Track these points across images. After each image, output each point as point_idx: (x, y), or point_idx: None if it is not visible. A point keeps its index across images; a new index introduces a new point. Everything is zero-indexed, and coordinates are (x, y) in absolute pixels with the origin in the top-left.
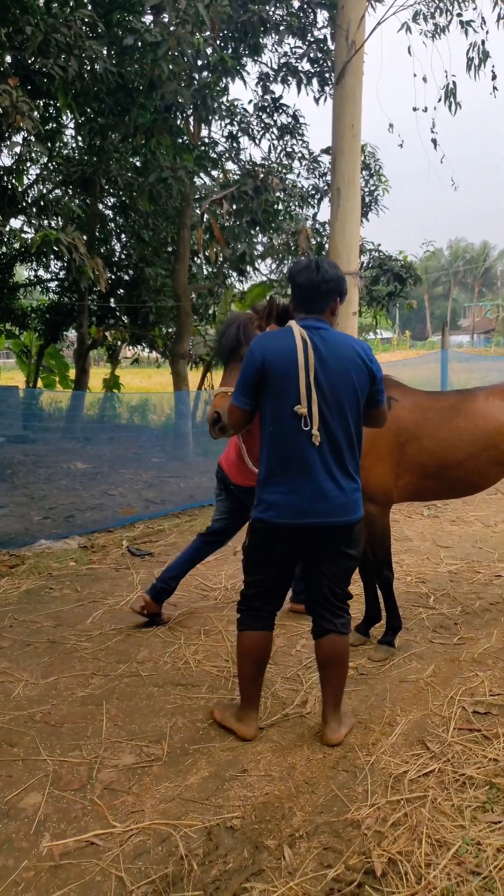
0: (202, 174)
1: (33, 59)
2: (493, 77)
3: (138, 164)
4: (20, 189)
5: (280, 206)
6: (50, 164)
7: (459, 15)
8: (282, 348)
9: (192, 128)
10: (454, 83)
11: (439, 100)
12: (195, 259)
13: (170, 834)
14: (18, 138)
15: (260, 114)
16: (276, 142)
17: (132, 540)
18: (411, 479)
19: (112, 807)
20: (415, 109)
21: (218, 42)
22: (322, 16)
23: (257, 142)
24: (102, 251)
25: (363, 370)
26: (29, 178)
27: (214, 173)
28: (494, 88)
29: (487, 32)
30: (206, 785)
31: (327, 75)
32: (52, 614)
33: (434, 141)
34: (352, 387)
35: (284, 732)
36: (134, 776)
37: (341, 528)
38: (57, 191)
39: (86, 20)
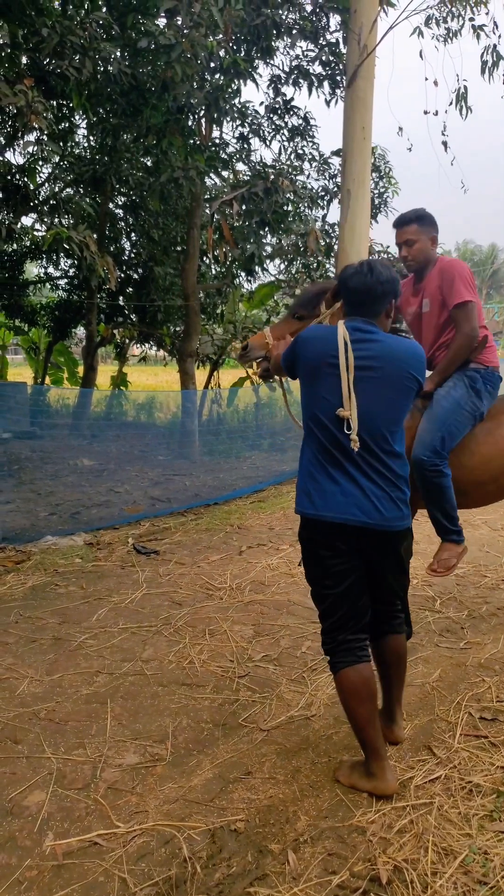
0: (213, 174)
1: (48, 60)
2: None
3: (149, 164)
4: (32, 187)
5: (290, 208)
6: (62, 164)
7: (472, 19)
8: (319, 343)
9: (203, 129)
10: (465, 87)
11: (450, 103)
12: (204, 259)
13: (173, 835)
14: (32, 137)
15: (271, 115)
16: (286, 143)
17: (138, 538)
18: None
19: (115, 807)
20: (426, 113)
21: (231, 45)
22: (334, 19)
23: (268, 143)
24: (112, 249)
25: (411, 378)
26: (41, 177)
27: (225, 174)
28: None
29: (500, 37)
30: (209, 786)
31: (339, 78)
32: (57, 611)
33: (445, 144)
34: (400, 391)
35: (289, 735)
36: (138, 776)
37: (397, 536)
38: (68, 189)
39: (101, 22)
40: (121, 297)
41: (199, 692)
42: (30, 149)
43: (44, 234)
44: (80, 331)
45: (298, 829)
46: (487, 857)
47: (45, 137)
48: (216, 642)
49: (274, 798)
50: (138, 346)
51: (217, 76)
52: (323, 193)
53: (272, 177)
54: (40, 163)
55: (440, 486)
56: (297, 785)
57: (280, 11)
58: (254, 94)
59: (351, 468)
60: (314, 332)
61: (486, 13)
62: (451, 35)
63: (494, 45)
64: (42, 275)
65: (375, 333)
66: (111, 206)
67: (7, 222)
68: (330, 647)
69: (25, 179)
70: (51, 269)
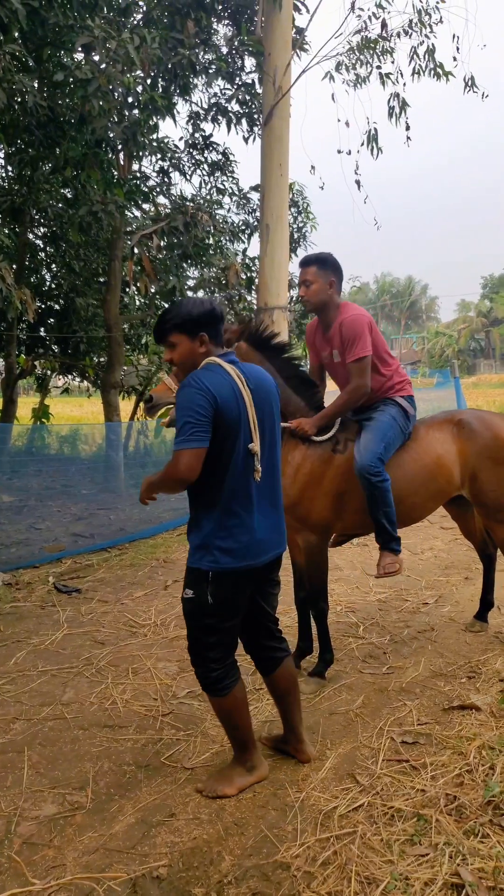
0: (133, 208)
1: None
2: (407, 128)
3: (69, 195)
4: None
5: (210, 241)
6: None
7: (379, 67)
8: (229, 390)
9: (122, 162)
10: (375, 129)
11: (362, 144)
12: (127, 290)
13: (93, 888)
14: None
15: (191, 150)
16: (206, 178)
17: (59, 576)
18: (355, 517)
19: (31, 862)
20: (339, 152)
21: (148, 81)
22: (249, 61)
23: (188, 177)
24: (32, 280)
25: (278, 402)
26: None
27: (146, 207)
28: (408, 139)
29: (405, 85)
30: (131, 832)
31: (255, 116)
32: None
33: (358, 182)
34: (274, 418)
35: (213, 771)
36: (56, 827)
37: (281, 556)
38: None
39: (16, 54)
40: (42, 328)
41: (122, 733)
42: None
43: None
44: None
45: (223, 869)
46: (408, 882)
47: None
48: (139, 681)
49: (198, 839)
50: (61, 377)
51: (135, 111)
52: (243, 227)
53: (192, 211)
54: None
55: (384, 491)
56: (221, 824)
57: (196, 51)
58: (173, 130)
59: (261, 503)
60: (221, 391)
61: (392, 62)
62: (360, 81)
63: (398, 94)
64: None
65: (241, 364)
66: (31, 236)
67: None
68: (220, 672)
69: None
70: None
